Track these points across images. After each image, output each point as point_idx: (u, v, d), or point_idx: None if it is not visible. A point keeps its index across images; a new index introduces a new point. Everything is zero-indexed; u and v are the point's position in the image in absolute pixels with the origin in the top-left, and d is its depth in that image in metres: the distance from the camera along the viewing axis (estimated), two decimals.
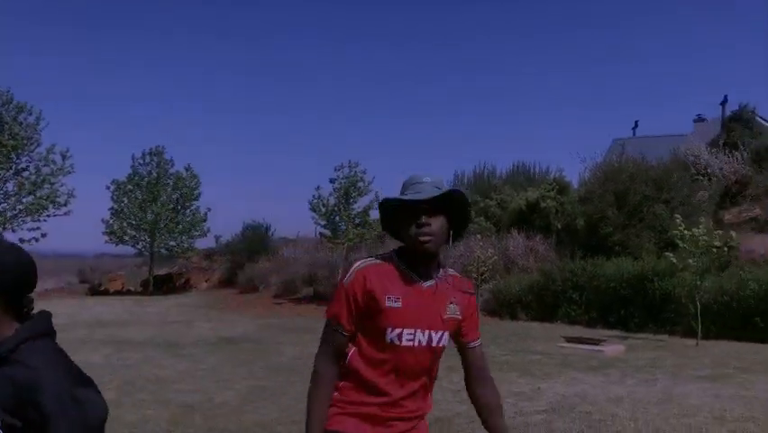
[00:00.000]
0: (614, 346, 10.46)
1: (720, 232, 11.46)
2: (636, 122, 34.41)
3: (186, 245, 26.99)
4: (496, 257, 15.76)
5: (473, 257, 15.36)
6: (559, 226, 17.95)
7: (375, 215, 21.09)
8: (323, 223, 20.26)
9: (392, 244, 2.18)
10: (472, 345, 2.16)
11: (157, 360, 9.68)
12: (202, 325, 14.48)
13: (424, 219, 1.98)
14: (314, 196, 20.14)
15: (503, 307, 15.50)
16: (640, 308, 12.94)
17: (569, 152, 65.76)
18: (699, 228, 10.97)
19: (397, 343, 2.00)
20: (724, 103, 28.48)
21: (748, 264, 12.63)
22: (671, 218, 13.32)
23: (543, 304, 14.79)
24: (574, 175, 37.79)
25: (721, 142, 21.07)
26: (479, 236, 16.09)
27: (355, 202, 20.12)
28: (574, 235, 17.33)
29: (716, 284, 11.80)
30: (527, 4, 70.80)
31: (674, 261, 11.31)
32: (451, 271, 2.17)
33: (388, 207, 2.13)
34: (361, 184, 20.04)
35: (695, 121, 32.29)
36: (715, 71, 62.18)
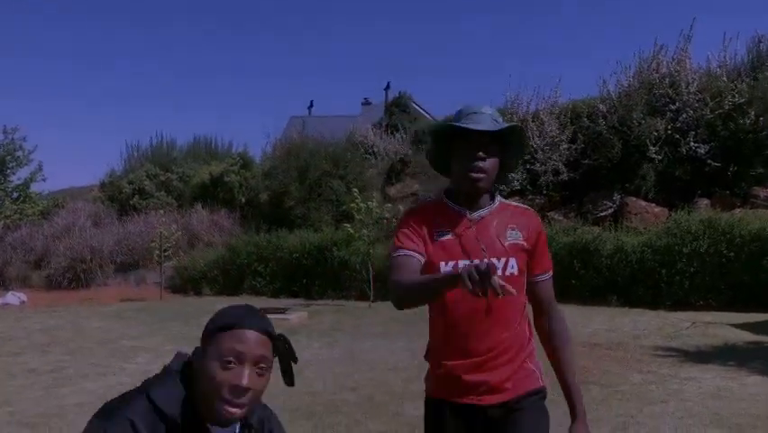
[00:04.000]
0: (298, 314, 11.02)
1: (389, 205, 12.82)
2: (312, 101, 36.40)
3: None
4: (179, 233, 15.34)
5: (155, 233, 14.73)
6: (243, 201, 18.15)
7: (36, 187, 18.78)
8: None
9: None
10: (539, 277, 1.98)
11: None
12: None
13: (480, 153, 1.83)
14: None
15: (188, 283, 15.19)
16: (321, 277, 13.82)
17: (250, 127, 66.60)
18: (372, 201, 12.11)
19: None
20: (387, 89, 31.71)
21: None
22: (347, 193, 14.45)
23: (228, 278, 14.85)
24: (257, 150, 38.53)
25: (384, 124, 23.37)
26: (161, 212, 15.45)
27: (14, 174, 17.60)
28: (258, 209, 17.71)
29: (384, 252, 13.16)
30: None
31: (351, 231, 12.31)
32: (507, 200, 2.02)
33: (439, 134, 1.94)
34: (20, 153, 17.57)
35: (363, 104, 35.30)
36: (380, 58, 68.69)
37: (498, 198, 1.98)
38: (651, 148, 12.58)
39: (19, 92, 63.29)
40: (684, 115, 12.80)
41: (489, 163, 1.84)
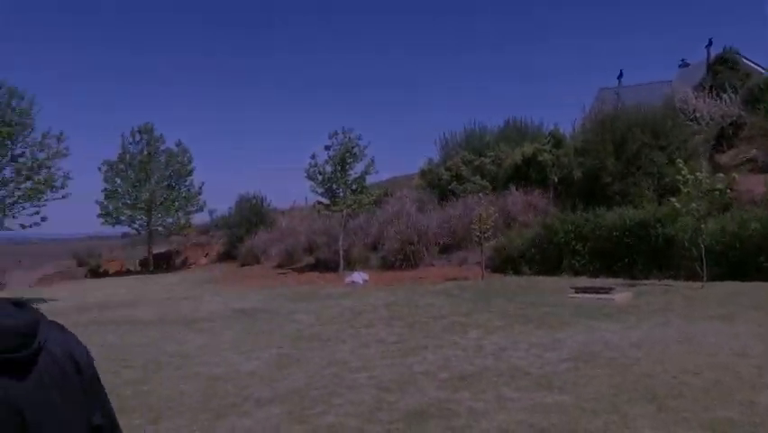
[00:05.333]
0: (623, 294, 10.64)
1: (721, 175, 11.60)
2: (621, 71, 34.34)
3: (183, 222, 27.01)
4: (496, 214, 15.88)
5: (474, 216, 15.47)
6: (556, 179, 18.04)
7: (371, 179, 21.08)
8: (320, 191, 20.20)
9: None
10: None
11: (175, 336, 9.70)
12: (212, 299, 14.53)
13: None
14: (310, 164, 20.00)
15: (506, 263, 15.63)
16: (644, 255, 13.10)
17: (556, 106, 65.62)
18: (700, 172, 11.10)
19: None
20: (709, 46, 28.46)
21: (748, 205, 12.80)
22: (669, 164, 13.44)
23: (546, 257, 14.92)
24: (566, 127, 37.81)
25: (707, 86, 21.08)
26: (480, 195, 16.15)
27: (351, 168, 20.03)
28: (572, 187, 17.44)
29: (717, 226, 11.97)
30: None
31: (678, 206, 11.44)
32: None
33: None
34: (356, 150, 19.92)
35: (680, 66, 32.23)
36: (696, 14, 61.81)
37: None
38: None
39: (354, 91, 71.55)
40: None
41: None
